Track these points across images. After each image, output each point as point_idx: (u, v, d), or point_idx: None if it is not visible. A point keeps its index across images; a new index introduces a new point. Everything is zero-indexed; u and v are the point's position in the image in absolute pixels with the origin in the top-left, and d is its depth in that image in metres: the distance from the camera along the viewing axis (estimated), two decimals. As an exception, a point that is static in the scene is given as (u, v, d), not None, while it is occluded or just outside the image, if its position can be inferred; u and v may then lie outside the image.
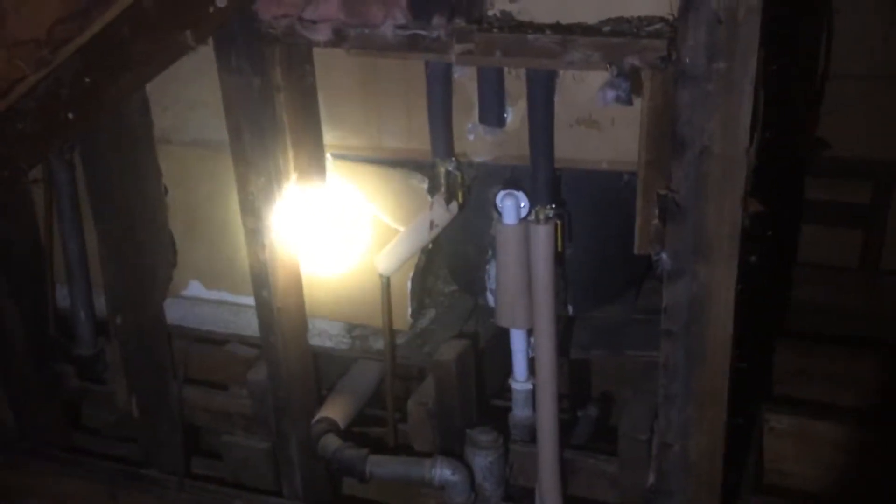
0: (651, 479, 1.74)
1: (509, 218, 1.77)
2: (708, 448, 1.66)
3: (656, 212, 1.54)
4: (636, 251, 1.61)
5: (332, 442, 1.94)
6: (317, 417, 2.02)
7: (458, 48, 1.58)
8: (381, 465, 1.87)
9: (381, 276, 1.91)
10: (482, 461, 1.83)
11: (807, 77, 2.64)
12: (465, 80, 1.72)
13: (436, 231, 1.84)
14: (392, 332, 1.96)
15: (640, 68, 1.50)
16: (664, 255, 1.55)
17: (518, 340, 1.90)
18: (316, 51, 1.79)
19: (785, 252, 2.64)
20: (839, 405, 2.21)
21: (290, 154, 1.81)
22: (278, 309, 1.93)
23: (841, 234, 2.73)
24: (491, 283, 1.97)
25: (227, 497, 2.09)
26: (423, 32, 1.59)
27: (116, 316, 2.12)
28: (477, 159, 1.79)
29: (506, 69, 1.67)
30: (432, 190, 1.84)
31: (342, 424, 2.02)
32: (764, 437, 2.10)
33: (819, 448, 2.06)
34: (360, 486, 2.06)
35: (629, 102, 1.54)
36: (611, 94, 1.54)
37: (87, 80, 1.78)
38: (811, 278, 2.70)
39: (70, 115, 1.83)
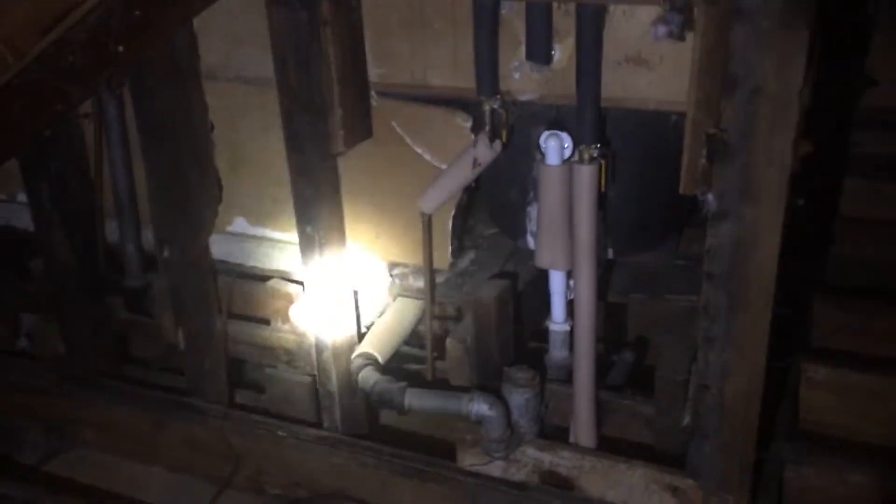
0: (686, 419, 1.76)
1: (552, 159, 1.76)
2: (745, 391, 1.66)
3: (704, 151, 1.52)
4: (681, 191, 1.60)
5: (371, 375, 1.99)
6: (357, 352, 2.07)
7: (507, -18, 1.56)
8: (420, 398, 1.91)
9: (423, 214, 1.92)
10: (518, 398, 1.86)
11: (855, 24, 2.56)
12: (513, 16, 1.70)
13: (479, 169, 1.84)
14: (432, 270, 1.98)
15: (693, 3, 1.47)
16: (710, 196, 1.54)
17: (557, 282, 1.91)
18: (363, -15, 1.78)
19: (827, 201, 2.59)
20: (879, 358, 2.19)
21: (336, 90, 1.82)
22: (321, 245, 1.96)
23: (889, 188, 2.67)
24: (532, 226, 1.97)
25: (269, 427, 2.15)
26: (472, -35, 1.57)
27: (164, 250, 2.17)
28: (522, 98, 1.78)
29: (555, 4, 1.65)
30: (476, 128, 1.84)
31: (381, 360, 2.06)
32: (801, 387, 2.10)
33: (855, 399, 2.06)
34: (396, 419, 2.11)
35: (681, 38, 1.52)
36: (662, 29, 1.52)
37: (136, 12, 1.79)
38: (857, 232, 2.65)
39: (120, 48, 1.85)
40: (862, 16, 2.60)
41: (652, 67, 1.64)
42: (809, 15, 1.38)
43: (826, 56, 1.77)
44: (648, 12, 1.57)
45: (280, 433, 2.13)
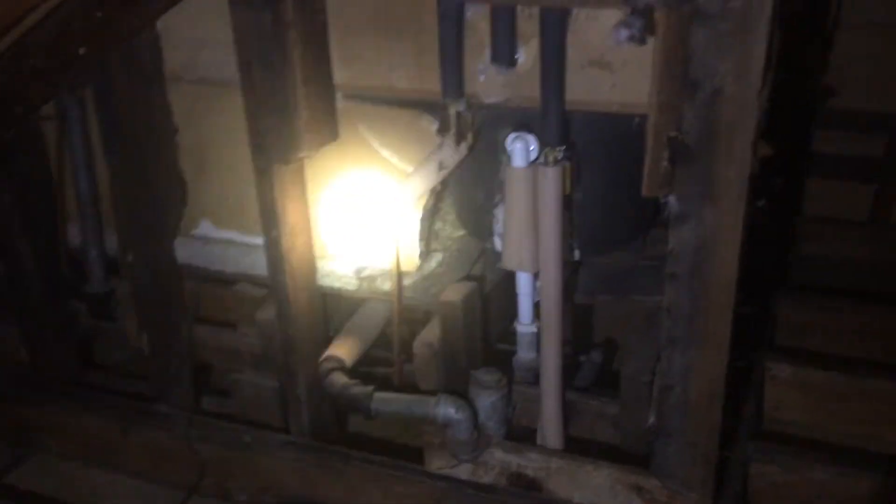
0: (651, 419, 1.77)
1: (518, 161, 1.77)
2: (708, 391, 1.68)
3: (666, 154, 1.54)
4: (644, 193, 1.61)
5: (338, 380, 1.97)
6: (324, 356, 2.05)
7: (471, -15, 1.56)
8: (387, 403, 1.90)
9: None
10: (486, 401, 1.86)
11: (817, 24, 2.60)
12: (478, 18, 1.70)
13: (444, 172, 1.84)
14: (400, 273, 1.97)
15: (654, 7, 1.48)
16: (672, 198, 1.56)
17: (524, 283, 1.91)
18: (328, -13, 1.78)
19: (789, 201, 2.64)
20: (844, 356, 2.23)
21: (301, 92, 1.80)
22: (287, 249, 1.95)
23: (852, 187, 2.72)
24: (499, 227, 1.97)
25: (236, 433, 2.13)
26: (436, -33, 1.57)
27: (127, 254, 2.15)
28: (487, 100, 1.78)
29: (519, 7, 1.66)
30: (442, 131, 1.84)
31: (349, 364, 2.05)
32: (765, 385, 2.13)
33: (819, 397, 2.09)
34: (365, 425, 2.10)
35: (642, 42, 1.53)
36: (624, 33, 1.53)
37: (98, 14, 1.77)
38: (821, 232, 2.70)
39: (81, 51, 1.83)
40: (824, 16, 2.64)
41: (615, 71, 1.65)
42: (768, 17, 1.40)
43: (786, 56, 1.80)
44: (610, 16, 1.58)
45: (246, 439, 2.11)
